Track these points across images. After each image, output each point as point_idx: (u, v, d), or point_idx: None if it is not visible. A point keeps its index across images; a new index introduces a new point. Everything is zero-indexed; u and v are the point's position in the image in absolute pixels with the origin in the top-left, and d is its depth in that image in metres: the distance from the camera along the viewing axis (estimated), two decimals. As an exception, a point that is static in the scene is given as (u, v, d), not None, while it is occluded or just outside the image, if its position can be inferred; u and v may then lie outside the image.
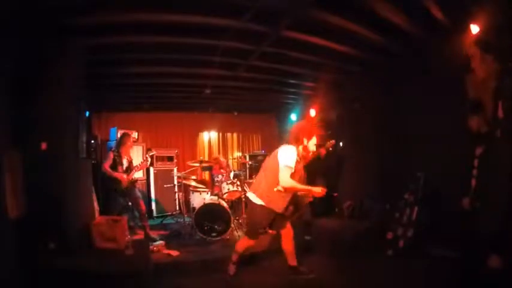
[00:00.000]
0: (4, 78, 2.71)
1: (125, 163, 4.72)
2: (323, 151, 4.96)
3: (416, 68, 4.03)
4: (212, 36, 3.71)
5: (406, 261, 3.42)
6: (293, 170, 2.78)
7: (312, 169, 5.83)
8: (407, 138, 4.21)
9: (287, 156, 2.79)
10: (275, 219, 3.00)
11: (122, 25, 3.37)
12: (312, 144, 2.95)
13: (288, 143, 2.94)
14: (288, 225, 3.18)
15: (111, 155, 4.63)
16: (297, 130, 2.99)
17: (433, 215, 3.63)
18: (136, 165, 4.82)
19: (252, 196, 3.00)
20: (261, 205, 2.90)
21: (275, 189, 2.78)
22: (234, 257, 3.18)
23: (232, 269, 3.18)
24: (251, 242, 3.13)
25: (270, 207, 2.88)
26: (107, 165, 4.54)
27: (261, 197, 2.91)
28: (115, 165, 4.59)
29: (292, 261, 3.21)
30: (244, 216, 5.16)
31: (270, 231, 4.94)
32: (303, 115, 6.86)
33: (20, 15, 2.73)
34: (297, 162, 2.85)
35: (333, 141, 5.01)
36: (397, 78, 4.38)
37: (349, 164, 5.78)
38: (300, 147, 2.90)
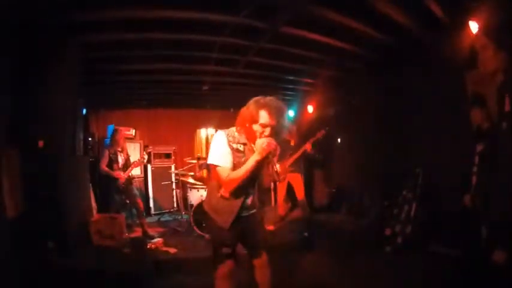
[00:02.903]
0: (1, 76, 2.67)
1: (121, 160, 4.70)
2: (315, 140, 4.94)
3: (416, 64, 4.01)
4: (210, 32, 3.67)
5: (405, 258, 3.43)
6: (228, 165, 2.02)
7: (311, 163, 5.89)
8: (406, 134, 4.21)
9: (210, 152, 2.07)
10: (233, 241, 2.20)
11: (120, 22, 3.32)
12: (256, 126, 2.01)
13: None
14: (263, 256, 2.34)
15: (106, 153, 4.61)
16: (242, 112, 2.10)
17: (432, 212, 3.64)
18: (134, 162, 4.80)
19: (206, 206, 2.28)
20: (211, 218, 2.18)
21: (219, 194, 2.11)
22: None
23: None
24: (217, 274, 2.25)
25: (216, 221, 2.15)
26: (103, 165, 4.52)
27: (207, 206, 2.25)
28: (111, 163, 4.57)
29: None
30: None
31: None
32: (301, 112, 6.85)
33: (18, 12, 2.69)
34: (237, 151, 2.07)
35: (322, 131, 5.00)
36: (396, 75, 4.37)
37: (348, 160, 5.78)
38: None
